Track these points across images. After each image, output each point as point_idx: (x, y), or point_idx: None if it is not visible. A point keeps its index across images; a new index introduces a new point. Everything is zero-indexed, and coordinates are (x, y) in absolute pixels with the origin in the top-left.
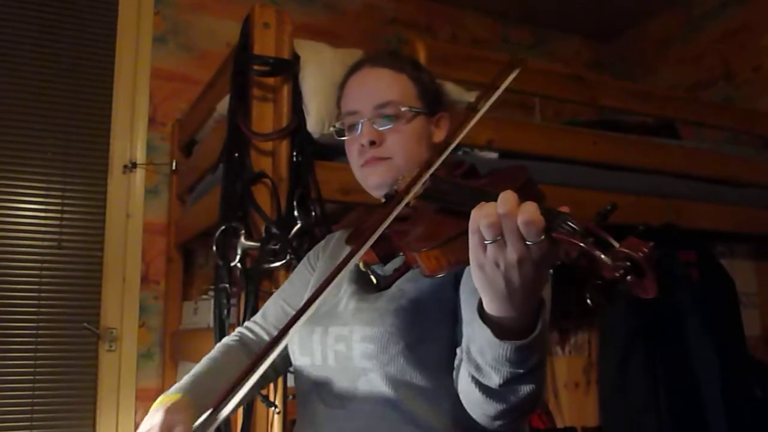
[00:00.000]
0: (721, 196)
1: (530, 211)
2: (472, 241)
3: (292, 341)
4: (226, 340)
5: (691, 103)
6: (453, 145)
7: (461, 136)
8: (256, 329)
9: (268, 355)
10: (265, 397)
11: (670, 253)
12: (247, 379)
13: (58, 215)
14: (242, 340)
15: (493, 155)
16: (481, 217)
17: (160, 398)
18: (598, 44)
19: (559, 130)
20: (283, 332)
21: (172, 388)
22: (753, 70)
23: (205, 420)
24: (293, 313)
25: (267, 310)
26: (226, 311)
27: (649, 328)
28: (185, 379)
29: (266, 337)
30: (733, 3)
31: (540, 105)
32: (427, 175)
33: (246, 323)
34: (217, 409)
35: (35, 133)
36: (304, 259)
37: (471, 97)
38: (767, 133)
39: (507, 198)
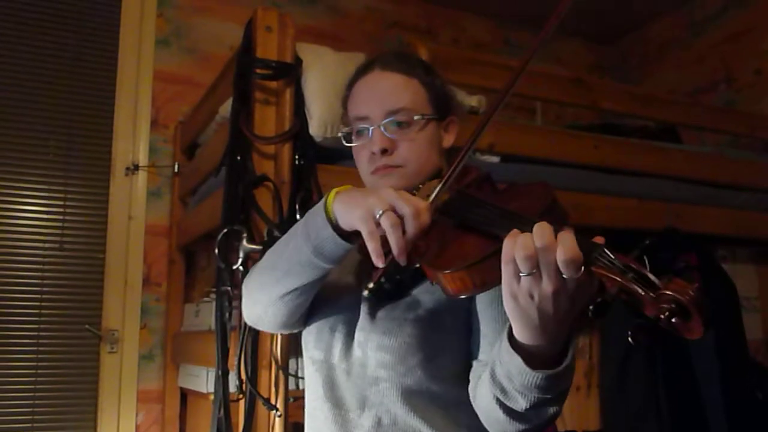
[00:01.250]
0: (722, 199)
1: (570, 247)
2: (506, 271)
3: (309, 331)
4: None
5: (692, 106)
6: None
7: (476, 138)
8: None
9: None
10: (267, 400)
11: (671, 257)
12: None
13: (60, 217)
14: None
15: (495, 159)
16: (517, 249)
17: (337, 190)
18: (599, 47)
19: (561, 134)
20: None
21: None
22: (754, 73)
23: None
24: None
25: None
26: (227, 314)
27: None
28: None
29: None
30: (734, 7)
31: (541, 108)
32: (446, 183)
33: None
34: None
35: (37, 134)
36: None
37: (473, 101)
38: None
39: (544, 231)
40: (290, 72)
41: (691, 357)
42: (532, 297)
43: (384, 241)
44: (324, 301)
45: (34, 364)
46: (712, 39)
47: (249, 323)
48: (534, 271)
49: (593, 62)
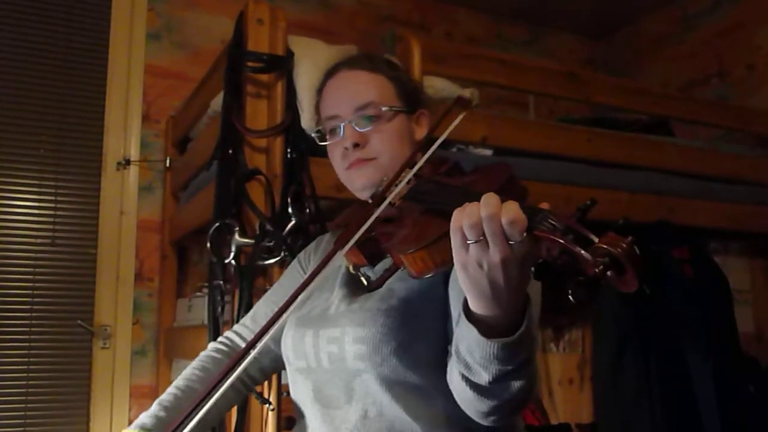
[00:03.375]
0: (715, 193)
1: (513, 210)
2: (454, 241)
3: (286, 346)
4: (211, 347)
5: (685, 100)
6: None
7: (424, 159)
8: (245, 333)
9: (226, 378)
10: (260, 394)
11: (664, 250)
12: (204, 403)
13: (52, 212)
14: (229, 345)
15: (488, 152)
16: (463, 218)
17: None
18: (592, 42)
19: (554, 127)
20: (250, 345)
21: (137, 421)
22: (747, 68)
23: None
24: None
25: (257, 311)
26: (220, 308)
27: (643, 325)
28: (153, 407)
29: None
30: (726, 1)
31: (534, 102)
32: (409, 176)
33: (235, 326)
34: None
35: (28, 130)
36: (295, 261)
37: (465, 94)
38: (761, 130)
39: (489, 200)
40: (282, 65)
41: (684, 350)
42: (481, 266)
43: (369, 241)
44: (295, 320)
45: (26, 360)
46: (704, 34)
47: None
48: (480, 238)
49: (586, 57)
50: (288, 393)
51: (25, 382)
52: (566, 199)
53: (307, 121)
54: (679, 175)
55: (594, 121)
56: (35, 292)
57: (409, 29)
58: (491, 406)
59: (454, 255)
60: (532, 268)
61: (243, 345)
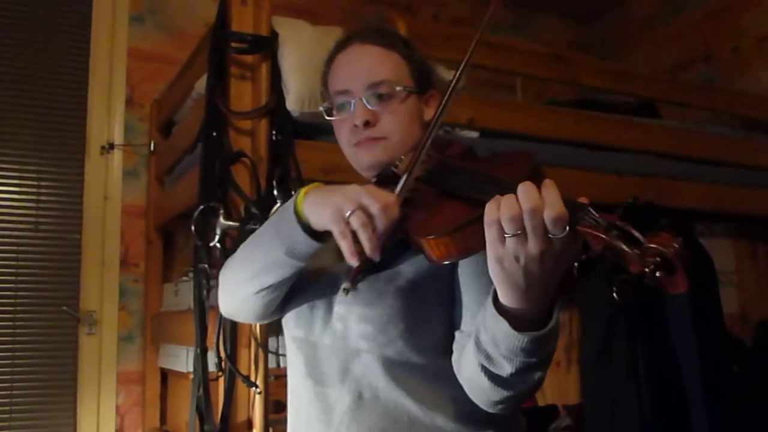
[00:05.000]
0: (701, 175)
1: (557, 206)
2: (490, 233)
3: (289, 312)
4: None
5: (671, 83)
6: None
7: (444, 106)
8: None
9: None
10: (246, 378)
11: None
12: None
13: (35, 197)
14: None
15: (474, 134)
16: (502, 210)
17: (305, 190)
18: (579, 25)
19: (541, 110)
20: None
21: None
22: (733, 50)
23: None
24: None
25: None
26: (206, 292)
27: (629, 307)
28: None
29: None
30: None
31: (521, 85)
32: (422, 153)
33: None
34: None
35: (10, 114)
36: None
37: (451, 76)
38: (747, 113)
39: (530, 191)
40: (266, 46)
41: (670, 331)
42: (517, 259)
43: (357, 238)
44: (301, 283)
45: (11, 347)
46: (691, 17)
47: (226, 316)
48: (519, 232)
49: (573, 39)
50: (276, 377)
51: (10, 369)
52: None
53: (292, 103)
54: (666, 157)
55: (580, 103)
56: (19, 278)
57: (395, 10)
58: (505, 396)
59: (488, 248)
60: (576, 264)
61: None
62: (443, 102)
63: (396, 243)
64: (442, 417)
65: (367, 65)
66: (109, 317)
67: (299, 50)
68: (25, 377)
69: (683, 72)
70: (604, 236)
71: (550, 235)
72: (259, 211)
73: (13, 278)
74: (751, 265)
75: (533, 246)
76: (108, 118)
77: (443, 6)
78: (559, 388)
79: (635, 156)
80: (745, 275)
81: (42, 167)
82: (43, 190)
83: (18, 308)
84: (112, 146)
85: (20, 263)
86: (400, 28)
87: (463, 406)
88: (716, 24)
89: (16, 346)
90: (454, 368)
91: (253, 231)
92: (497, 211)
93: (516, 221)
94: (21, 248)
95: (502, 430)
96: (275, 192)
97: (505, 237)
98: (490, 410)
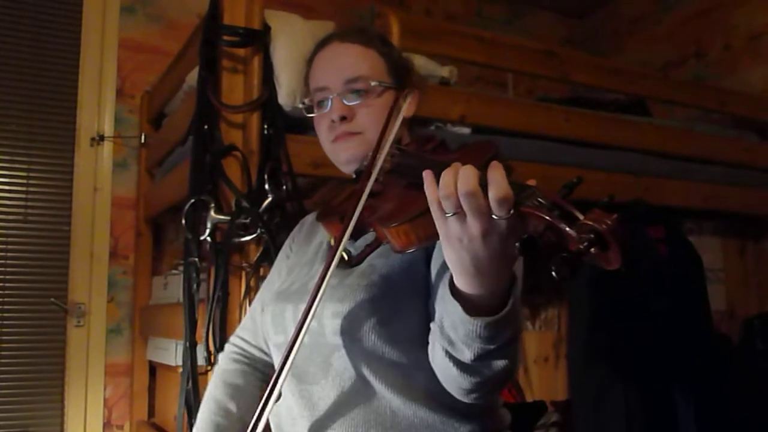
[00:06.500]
0: (690, 173)
1: (502, 186)
2: (433, 212)
3: (265, 321)
4: (226, 364)
5: (662, 80)
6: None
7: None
8: (248, 336)
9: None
10: None
11: (638, 229)
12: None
13: (24, 189)
14: (242, 354)
15: (466, 130)
16: (440, 189)
17: None
18: (571, 21)
19: (532, 106)
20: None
21: None
22: (723, 48)
23: None
24: None
25: (253, 316)
26: (195, 285)
27: (618, 304)
28: None
29: (258, 355)
30: None
31: (513, 81)
32: (383, 152)
33: (237, 333)
34: None
35: None
36: (281, 251)
37: (444, 71)
38: (737, 111)
39: (463, 171)
40: (258, 39)
41: (658, 328)
42: (461, 240)
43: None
44: (270, 294)
45: None
46: (682, 14)
47: None
48: (458, 210)
49: (565, 36)
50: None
51: None
52: (543, 178)
53: (284, 97)
54: (656, 154)
55: (571, 100)
56: (7, 269)
57: (388, 5)
58: (473, 383)
59: (438, 228)
60: (517, 244)
61: (252, 350)
62: (398, 101)
63: (369, 240)
64: (424, 409)
65: (345, 62)
66: (98, 309)
67: (291, 44)
68: (13, 369)
69: (674, 69)
70: (546, 216)
71: (494, 216)
72: (249, 205)
73: (1, 269)
74: (739, 263)
75: (473, 225)
76: (98, 110)
77: (436, 1)
78: (547, 383)
79: (625, 153)
80: (733, 273)
81: (32, 158)
82: (32, 182)
83: (6, 299)
84: (102, 138)
85: (9, 254)
86: (393, 22)
87: (443, 398)
88: (707, 21)
89: (3, 337)
90: (429, 358)
91: (243, 225)
92: (436, 191)
93: (451, 199)
94: (9, 239)
95: (484, 422)
96: (266, 186)
97: (446, 216)
98: (465, 399)
